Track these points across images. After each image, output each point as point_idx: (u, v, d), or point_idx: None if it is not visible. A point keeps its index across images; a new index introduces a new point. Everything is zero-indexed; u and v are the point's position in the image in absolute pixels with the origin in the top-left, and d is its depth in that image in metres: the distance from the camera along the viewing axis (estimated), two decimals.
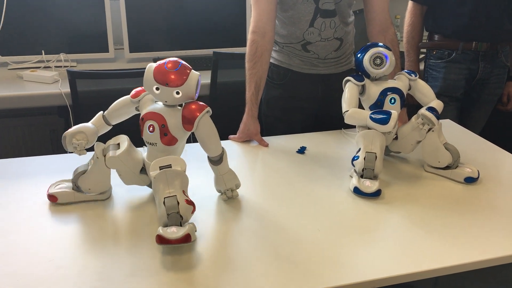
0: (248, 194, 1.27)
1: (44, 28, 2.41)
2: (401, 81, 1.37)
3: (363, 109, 1.37)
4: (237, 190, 1.25)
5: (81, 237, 1.08)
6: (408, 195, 1.28)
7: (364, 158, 1.27)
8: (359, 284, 0.96)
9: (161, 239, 0.98)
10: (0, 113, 2.53)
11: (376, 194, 1.25)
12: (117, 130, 1.22)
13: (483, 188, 1.33)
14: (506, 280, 1.29)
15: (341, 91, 1.35)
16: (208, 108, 1.11)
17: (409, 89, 1.39)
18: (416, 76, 1.38)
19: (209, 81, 2.24)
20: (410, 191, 1.31)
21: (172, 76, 1.05)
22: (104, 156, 1.13)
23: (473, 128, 1.92)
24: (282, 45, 1.70)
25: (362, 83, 1.34)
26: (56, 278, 0.95)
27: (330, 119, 1.71)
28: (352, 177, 1.32)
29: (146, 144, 1.15)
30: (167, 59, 1.08)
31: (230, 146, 1.56)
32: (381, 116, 1.25)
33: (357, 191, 1.26)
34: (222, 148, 1.17)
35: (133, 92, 1.16)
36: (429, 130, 1.34)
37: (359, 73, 1.35)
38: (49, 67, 2.39)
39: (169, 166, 1.05)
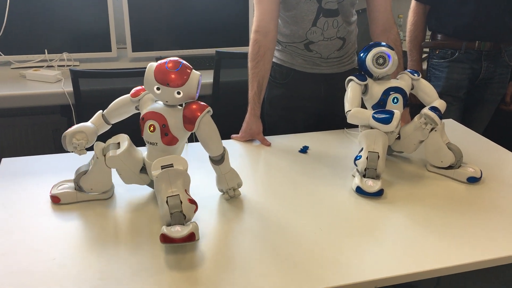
0: (250, 193, 1.27)
1: (47, 27, 2.42)
2: (404, 81, 1.36)
3: (366, 108, 1.37)
4: (239, 189, 1.25)
5: (83, 236, 1.08)
6: (410, 195, 1.28)
7: (367, 158, 1.27)
8: (361, 283, 0.96)
9: (165, 238, 0.98)
10: (3, 112, 2.54)
11: (379, 193, 1.25)
12: (116, 129, 1.22)
13: (485, 188, 1.33)
14: (509, 280, 1.29)
15: (343, 90, 1.35)
16: (209, 108, 1.11)
17: (412, 89, 1.38)
18: (419, 75, 1.38)
19: (211, 80, 2.24)
20: (413, 191, 1.30)
21: (173, 76, 1.05)
22: (104, 155, 1.14)
23: (476, 128, 1.91)
24: (284, 45, 1.69)
25: (365, 82, 1.34)
26: (58, 277, 0.95)
27: (333, 119, 1.71)
28: (354, 176, 1.32)
29: (146, 143, 1.15)
30: (168, 59, 1.08)
31: (233, 146, 1.56)
32: (383, 115, 1.25)
33: (359, 190, 1.26)
34: (224, 147, 1.17)
35: (133, 91, 1.16)
36: (431, 129, 1.33)
37: (362, 73, 1.35)
38: (52, 66, 2.40)
39: (171, 165, 1.05)
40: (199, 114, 1.09)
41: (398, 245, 1.07)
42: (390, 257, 1.03)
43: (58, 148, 1.26)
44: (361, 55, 1.34)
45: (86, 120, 1.19)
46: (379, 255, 1.04)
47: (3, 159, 1.41)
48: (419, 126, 1.34)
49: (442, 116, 1.33)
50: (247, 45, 1.61)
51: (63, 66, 2.40)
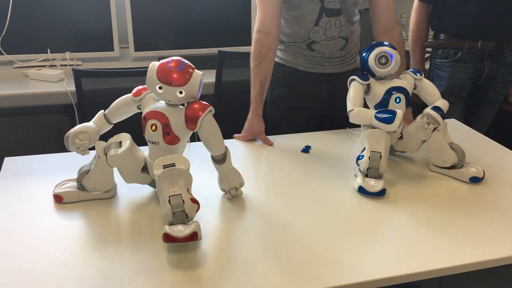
0: (252, 193, 1.27)
1: (50, 27, 2.42)
2: (406, 80, 1.36)
3: (368, 108, 1.36)
4: (241, 188, 1.25)
5: (85, 235, 1.08)
6: (413, 195, 1.28)
7: (369, 157, 1.27)
8: (364, 283, 0.96)
9: (168, 237, 0.98)
10: (5, 112, 2.54)
11: (381, 193, 1.25)
12: (118, 129, 1.22)
13: (488, 188, 1.32)
14: (511, 280, 1.29)
15: (346, 90, 1.35)
16: (211, 108, 1.11)
17: (414, 88, 1.38)
18: (421, 75, 1.38)
19: (214, 80, 2.24)
20: (415, 191, 1.30)
21: (175, 76, 1.05)
22: (106, 154, 1.14)
23: (479, 127, 1.91)
24: (287, 44, 1.69)
25: (367, 82, 1.33)
26: (61, 276, 0.95)
27: (335, 118, 1.71)
28: (356, 176, 1.32)
29: (148, 143, 1.15)
30: (170, 58, 1.08)
31: (235, 145, 1.56)
32: (386, 115, 1.25)
33: (361, 190, 1.26)
34: (226, 147, 1.17)
35: (134, 90, 1.16)
36: (434, 129, 1.33)
37: (364, 72, 1.35)
38: (54, 65, 2.40)
39: (173, 164, 1.05)
40: (201, 113, 1.09)
41: (400, 245, 1.07)
42: (392, 257, 1.03)
43: (60, 147, 1.26)
44: (364, 54, 1.34)
45: (89, 120, 1.19)
46: (381, 255, 1.04)
47: (6, 158, 1.42)
48: (421, 126, 1.33)
49: (444, 116, 1.32)
50: (250, 44, 1.61)
51: (66, 65, 2.40)
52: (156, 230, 1.09)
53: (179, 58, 1.08)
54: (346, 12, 1.61)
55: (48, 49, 2.42)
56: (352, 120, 1.31)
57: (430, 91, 1.38)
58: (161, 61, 1.08)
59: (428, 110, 1.33)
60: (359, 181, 1.28)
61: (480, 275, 1.10)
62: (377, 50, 1.31)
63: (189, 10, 2.56)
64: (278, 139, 1.60)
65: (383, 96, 1.33)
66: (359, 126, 1.39)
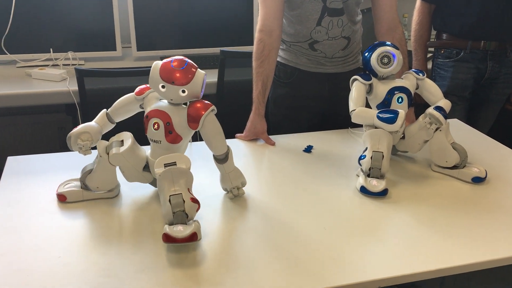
0: (254, 192, 1.27)
1: (53, 26, 2.43)
2: (408, 80, 1.36)
3: (370, 108, 1.36)
4: (243, 188, 1.25)
5: (87, 234, 1.09)
6: (415, 195, 1.28)
7: (371, 157, 1.27)
8: (365, 283, 0.96)
9: (167, 238, 0.98)
10: (8, 111, 2.55)
11: (383, 193, 1.25)
12: (120, 128, 1.22)
13: (490, 188, 1.32)
14: None
15: (348, 90, 1.35)
16: (213, 107, 1.11)
17: (416, 88, 1.38)
18: (423, 75, 1.38)
19: (216, 79, 2.24)
20: (417, 191, 1.30)
21: (178, 75, 1.06)
22: (107, 153, 1.14)
23: (481, 127, 1.91)
24: (289, 44, 1.69)
25: (370, 82, 1.33)
26: (63, 275, 0.95)
27: (337, 118, 1.71)
28: (358, 176, 1.32)
29: (150, 141, 1.15)
30: (173, 58, 1.08)
31: (237, 145, 1.56)
32: (388, 115, 1.25)
33: (363, 190, 1.26)
34: (228, 146, 1.17)
35: (137, 89, 1.16)
36: (436, 129, 1.33)
37: (367, 72, 1.35)
38: (57, 65, 2.40)
39: (174, 163, 1.05)
40: (203, 112, 1.09)
41: (402, 245, 1.07)
42: (394, 256, 1.03)
43: (63, 146, 1.27)
44: (366, 54, 1.33)
45: (91, 119, 1.19)
46: (383, 254, 1.04)
47: (8, 158, 1.42)
48: (424, 125, 1.33)
49: (447, 116, 1.32)
50: (252, 44, 1.61)
51: (68, 65, 2.40)
52: (158, 229, 1.09)
53: (182, 57, 1.09)
54: (348, 11, 1.61)
55: (51, 49, 2.43)
56: (354, 120, 1.31)
57: (433, 91, 1.38)
58: (164, 60, 1.08)
59: (430, 110, 1.32)
60: (361, 181, 1.28)
61: (483, 275, 1.10)
62: (380, 50, 1.31)
63: (191, 10, 2.56)
64: (280, 139, 1.60)
65: (385, 96, 1.33)
66: (361, 126, 1.39)
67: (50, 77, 2.22)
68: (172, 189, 1.03)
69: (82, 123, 1.18)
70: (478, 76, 2.09)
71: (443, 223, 1.15)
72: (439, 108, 1.32)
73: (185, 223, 1.01)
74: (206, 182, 1.28)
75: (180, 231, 0.99)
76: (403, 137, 1.40)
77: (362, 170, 1.30)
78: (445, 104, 1.35)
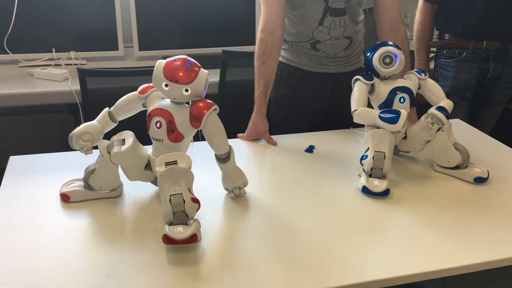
0: (255, 192, 1.27)
1: (55, 26, 2.43)
2: (410, 80, 1.36)
3: (372, 108, 1.36)
4: (245, 188, 1.25)
5: (89, 233, 1.09)
6: (417, 195, 1.28)
7: (373, 157, 1.26)
8: (367, 283, 0.96)
9: (167, 239, 0.98)
10: (10, 111, 2.55)
11: (385, 193, 1.25)
12: (121, 127, 1.22)
13: (492, 188, 1.32)
14: None
15: (350, 90, 1.35)
16: (216, 106, 1.11)
17: (418, 88, 1.38)
18: (426, 75, 1.37)
19: (218, 79, 2.24)
20: (419, 191, 1.30)
21: (182, 74, 1.06)
22: (109, 153, 1.14)
23: (483, 128, 1.90)
24: (291, 44, 1.69)
25: (371, 82, 1.33)
26: (65, 274, 0.95)
27: (339, 118, 1.71)
28: (360, 176, 1.32)
29: (152, 140, 1.15)
30: (177, 57, 1.09)
31: (239, 145, 1.56)
32: (390, 115, 1.25)
33: (365, 190, 1.26)
34: (230, 146, 1.17)
35: (140, 88, 1.17)
36: (438, 129, 1.33)
37: (369, 72, 1.35)
38: (59, 65, 2.41)
39: (175, 162, 1.05)
40: (205, 111, 1.09)
41: (404, 245, 1.07)
42: (396, 257, 1.03)
43: (65, 146, 1.27)
44: (368, 54, 1.33)
45: (93, 119, 1.19)
46: (384, 255, 1.04)
47: (11, 157, 1.42)
48: (426, 126, 1.33)
49: (449, 116, 1.32)
50: (254, 44, 1.61)
51: (71, 64, 2.41)
52: (159, 229, 1.09)
53: (185, 56, 1.09)
54: (350, 11, 1.61)
55: (53, 49, 2.43)
56: (356, 120, 1.31)
57: (435, 91, 1.38)
58: (168, 59, 1.09)
59: (432, 110, 1.32)
60: (363, 181, 1.27)
61: (485, 275, 1.09)
62: (382, 50, 1.31)
63: (194, 10, 2.57)
64: (282, 139, 1.60)
65: (387, 96, 1.32)
66: (363, 126, 1.38)
67: (52, 77, 2.23)
68: (173, 189, 1.03)
69: (84, 123, 1.18)
70: (480, 76, 2.08)
71: (445, 224, 1.15)
72: (441, 108, 1.32)
73: (185, 223, 1.01)
74: (207, 182, 1.28)
75: (180, 232, 0.99)
76: (405, 137, 1.40)
77: (364, 170, 1.30)
78: (447, 104, 1.34)
